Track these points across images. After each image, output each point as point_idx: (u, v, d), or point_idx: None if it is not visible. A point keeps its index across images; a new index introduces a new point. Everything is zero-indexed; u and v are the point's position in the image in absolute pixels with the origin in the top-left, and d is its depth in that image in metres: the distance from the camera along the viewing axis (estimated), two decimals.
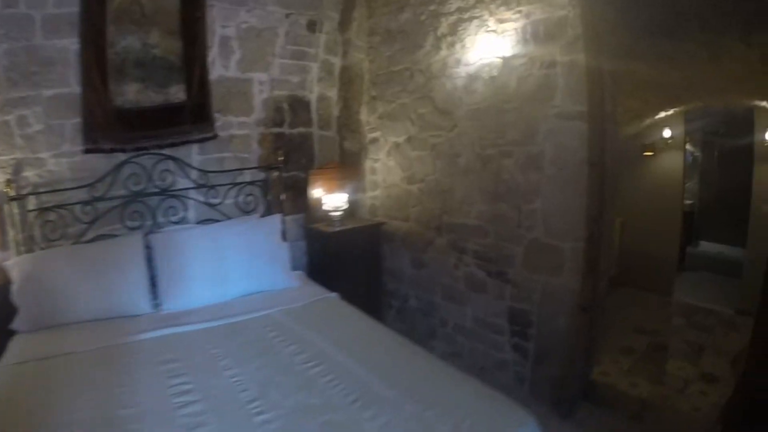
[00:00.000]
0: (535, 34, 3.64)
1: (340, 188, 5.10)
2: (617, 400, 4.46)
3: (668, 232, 7.64)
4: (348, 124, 5.37)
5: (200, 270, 3.84)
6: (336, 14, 5.08)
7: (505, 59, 3.88)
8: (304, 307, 3.73)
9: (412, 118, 4.75)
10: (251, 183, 4.78)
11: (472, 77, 4.16)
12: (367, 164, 5.33)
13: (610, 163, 3.74)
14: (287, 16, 4.76)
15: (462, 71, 4.24)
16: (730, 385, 4.62)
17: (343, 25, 5.13)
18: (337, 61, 5.26)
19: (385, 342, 3.15)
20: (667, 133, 7.34)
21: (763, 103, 6.05)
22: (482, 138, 4.15)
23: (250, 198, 4.80)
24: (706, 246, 10.18)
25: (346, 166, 5.38)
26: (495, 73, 3.97)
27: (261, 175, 4.85)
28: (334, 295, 4.02)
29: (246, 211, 4.74)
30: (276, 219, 4.60)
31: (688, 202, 9.57)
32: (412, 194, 4.88)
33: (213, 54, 4.45)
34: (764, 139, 6.71)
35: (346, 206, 4.92)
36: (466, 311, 4.52)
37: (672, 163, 7.59)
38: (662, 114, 6.89)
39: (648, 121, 7.09)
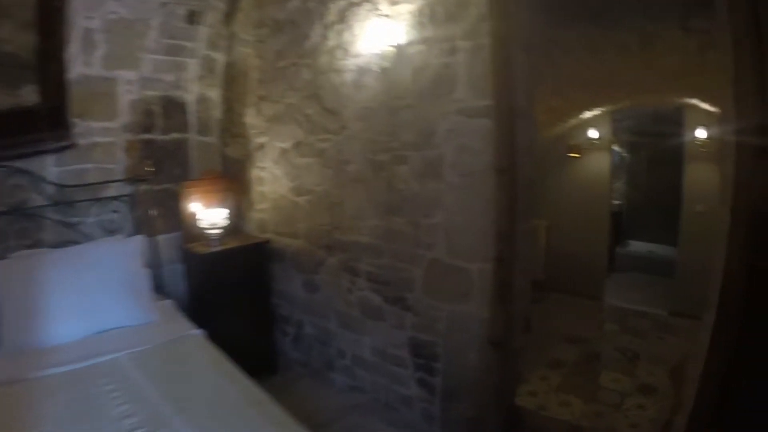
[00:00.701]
0: (433, 17, 2.97)
1: (222, 202, 4.31)
2: (546, 428, 3.96)
3: (596, 233, 7.22)
4: (231, 128, 4.56)
5: (44, 304, 3.10)
6: (221, 3, 4.26)
7: (399, 48, 3.18)
8: (157, 350, 3.00)
9: (300, 120, 3.96)
10: (116, 198, 3.98)
11: (362, 70, 3.43)
12: (254, 173, 4.50)
13: (526, 167, 3.09)
14: (163, 5, 3.90)
15: (351, 64, 3.50)
16: (668, 396, 4.43)
17: (229, 16, 4.34)
18: (220, 57, 4.46)
19: (239, 403, 2.45)
20: (593, 133, 6.81)
21: (694, 101, 5.57)
22: (373, 141, 3.43)
23: (115, 216, 3.97)
24: (635, 246, 9.78)
25: (229, 176, 4.60)
26: (387, 64, 3.26)
27: (128, 189, 4.04)
28: (198, 332, 3.27)
29: (111, 231, 3.93)
30: (135, 241, 3.78)
31: (616, 202, 9.32)
32: (300, 207, 4.09)
33: (73, 49, 3.62)
34: (695, 138, 6.28)
35: (225, 223, 4.11)
36: (364, 341, 3.78)
37: (599, 164, 7.12)
38: (588, 114, 6.36)
39: (573, 122, 6.57)
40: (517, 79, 2.86)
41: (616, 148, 9.52)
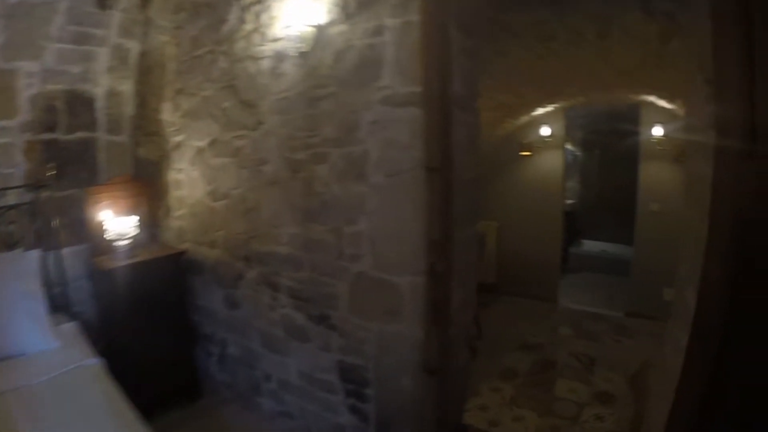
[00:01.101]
0: None
1: (134, 209, 3.76)
2: None
3: (549, 234, 6.91)
4: (145, 125, 3.99)
5: None
6: None
7: (320, 28, 2.69)
8: (44, 387, 2.48)
9: (216, 114, 3.43)
10: (14, 207, 3.38)
11: (280, 56, 2.93)
12: (171, 176, 3.94)
13: (466, 165, 2.64)
14: None
15: (268, 49, 3.00)
16: (627, 404, 4.22)
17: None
18: (134, 46, 3.86)
19: None
20: (545, 131, 6.42)
21: (652, 98, 5.21)
22: (291, 137, 2.93)
23: (12, 227, 3.38)
24: (589, 245, 9.45)
25: (143, 180, 4.01)
26: (306, 47, 2.77)
27: (28, 197, 3.45)
28: (94, 362, 2.75)
29: (9, 245, 3.34)
30: (31, 257, 3.20)
31: (569, 201, 8.98)
32: (217, 214, 3.55)
33: None
34: (651, 136, 5.98)
35: (135, 232, 3.56)
36: (289, 364, 3.28)
37: (551, 162, 6.77)
38: (540, 111, 5.97)
39: (525, 119, 6.19)
40: (454, 64, 2.39)
41: (569, 146, 9.25)
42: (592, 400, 4.37)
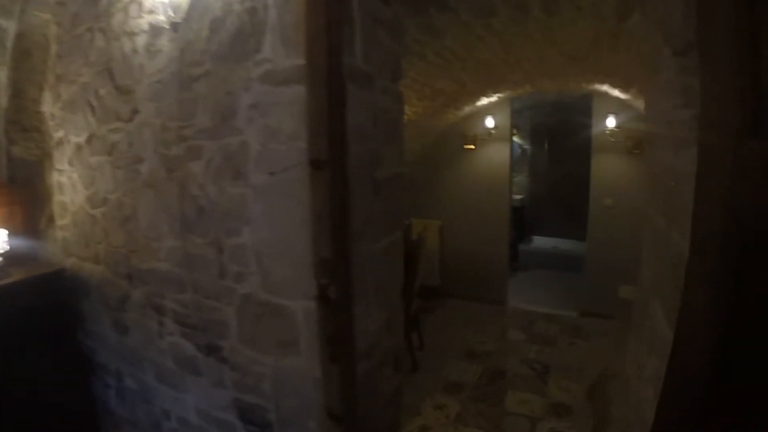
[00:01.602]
0: None
1: (7, 219, 3.08)
2: None
3: (496, 231, 6.47)
4: (21, 119, 3.23)
5: None
6: None
7: None
8: None
9: (93, 104, 2.79)
10: None
11: (155, 30, 2.32)
12: (54, 178, 3.20)
13: (382, 158, 2.10)
14: None
15: (144, 22, 2.38)
16: (585, 416, 3.88)
17: None
18: (10, 26, 3.15)
19: None
20: (490, 122, 5.91)
21: (605, 87, 4.75)
22: (165, 128, 2.32)
23: None
24: (539, 241, 9.02)
25: (18, 184, 3.26)
26: (179, 17, 2.17)
27: None
28: None
29: None
30: None
31: (517, 197, 8.55)
32: (97, 223, 2.87)
33: None
34: (605, 128, 5.53)
35: (4, 248, 2.88)
36: (186, 400, 2.63)
37: (498, 156, 6.32)
38: (485, 100, 5.47)
39: (468, 109, 5.67)
40: (360, 34, 1.82)
41: (517, 140, 8.88)
42: (547, 413, 3.99)
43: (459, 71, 3.90)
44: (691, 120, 1.17)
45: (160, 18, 2.24)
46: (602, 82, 4.61)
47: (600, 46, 3.26)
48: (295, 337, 1.92)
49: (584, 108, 6.60)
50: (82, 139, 2.88)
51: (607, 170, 5.76)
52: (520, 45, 3.42)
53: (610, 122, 5.45)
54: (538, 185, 9.30)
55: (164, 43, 2.25)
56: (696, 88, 1.10)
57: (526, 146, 9.25)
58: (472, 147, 6.29)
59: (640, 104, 4.98)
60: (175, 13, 2.15)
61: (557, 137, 8.91)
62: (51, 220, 3.25)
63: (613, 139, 5.56)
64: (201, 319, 2.31)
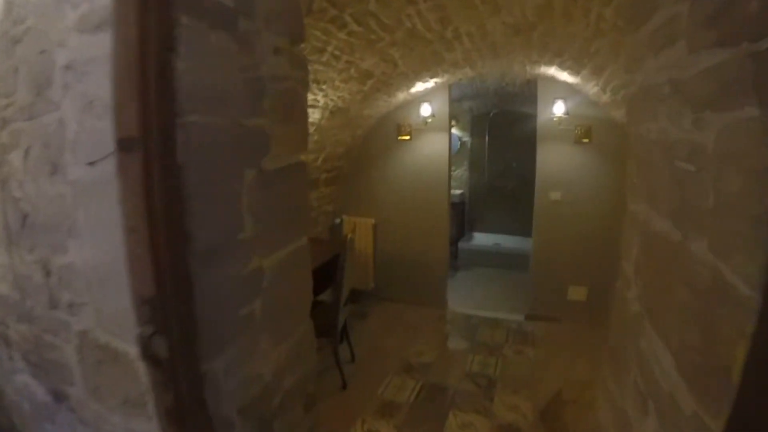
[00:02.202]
0: None
1: None
2: None
3: (435, 228, 5.93)
4: None
5: None
6: None
7: None
8: None
9: None
10: None
11: None
12: None
13: (271, 142, 1.51)
14: None
15: None
16: None
17: None
18: None
19: None
20: (426, 110, 5.37)
21: (551, 70, 4.32)
22: None
23: None
24: (481, 238, 8.55)
25: None
26: None
27: None
28: None
29: None
30: None
31: (457, 192, 8.09)
32: None
33: None
34: (551, 114, 5.15)
35: None
36: None
37: (435, 147, 5.78)
38: (420, 86, 4.97)
39: (402, 96, 5.14)
40: None
41: (457, 131, 8.45)
42: None
43: (388, 47, 3.37)
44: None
45: None
46: (550, 63, 4.16)
47: (552, 10, 2.78)
48: (141, 394, 1.33)
49: (528, 97, 6.26)
50: None
51: (554, 162, 5.31)
52: (457, 12, 2.91)
53: (558, 108, 4.98)
54: (480, 179, 8.81)
55: None
56: None
57: (467, 138, 8.80)
58: (408, 138, 5.75)
59: (590, 89, 4.58)
60: None
61: (500, 128, 8.45)
62: None
63: (561, 127, 5.10)
64: (41, 357, 1.68)
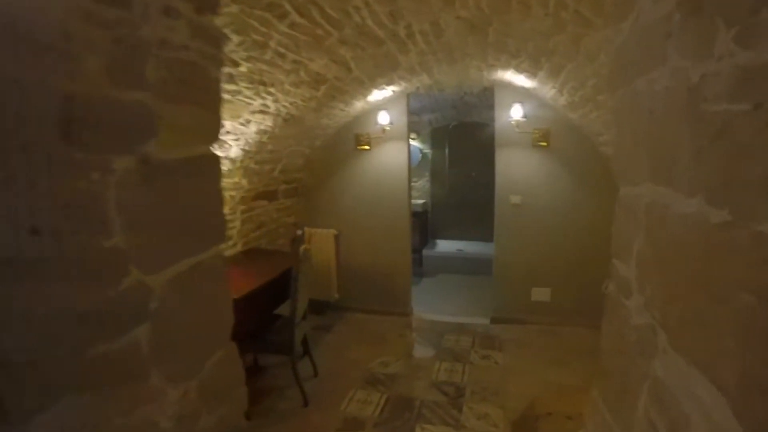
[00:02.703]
0: None
1: None
2: None
3: (397, 237, 5.51)
4: None
5: None
6: None
7: None
8: None
9: None
10: None
11: None
12: None
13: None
14: None
15: None
16: None
17: None
18: None
19: None
20: (384, 118, 4.97)
21: (507, 74, 4.07)
22: None
23: None
24: (444, 246, 8.16)
25: None
26: None
27: None
28: None
29: None
30: None
31: (420, 201, 7.71)
32: None
33: None
34: (509, 119, 4.77)
35: None
36: None
37: (395, 156, 5.36)
38: (378, 95, 4.60)
39: (360, 105, 4.75)
40: None
41: (417, 144, 8.10)
42: None
43: (337, 45, 2.95)
44: None
45: None
46: (507, 65, 3.79)
47: (508, 1, 2.41)
48: None
49: (486, 106, 5.98)
50: None
51: (513, 166, 4.94)
52: (408, 5, 2.52)
53: (516, 112, 4.61)
54: (441, 189, 8.44)
55: None
56: None
57: (427, 150, 8.44)
58: (367, 147, 5.34)
59: (547, 91, 4.25)
60: None
61: (459, 139, 8.14)
62: None
63: (518, 130, 4.73)
64: None
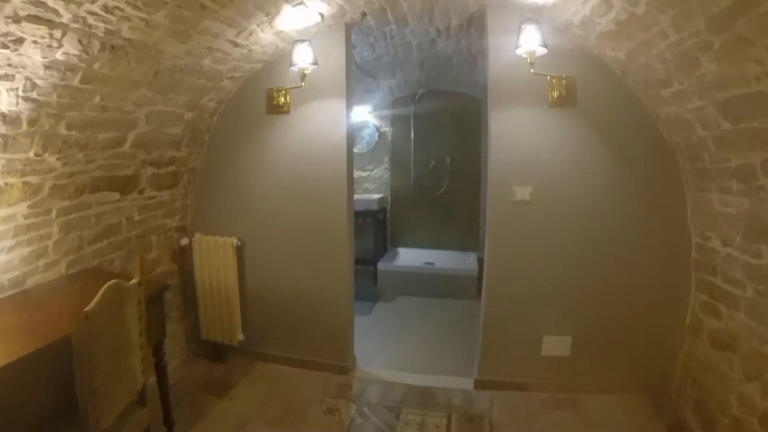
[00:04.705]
0: None
1: None
2: None
3: (331, 248, 3.63)
4: None
5: None
6: None
7: None
8: None
9: None
10: None
11: None
12: None
13: None
14: None
15: None
16: None
17: None
18: None
19: None
20: (303, 55, 3.04)
21: None
22: None
23: None
24: (408, 256, 6.26)
25: None
26: None
27: None
28: None
29: None
30: None
31: (375, 196, 5.88)
32: None
33: None
34: (511, 57, 2.88)
35: None
36: None
37: (326, 125, 3.49)
38: (295, 20, 2.86)
39: (268, 37, 2.98)
40: None
41: (372, 120, 6.33)
42: None
43: None
44: None
45: None
46: None
47: None
48: None
49: (467, 59, 4.42)
50: None
51: (519, 138, 3.13)
52: None
53: (528, 37, 2.66)
54: (405, 179, 6.53)
55: None
56: None
57: (386, 128, 6.57)
58: (284, 110, 3.44)
59: (572, 13, 2.51)
60: None
61: (429, 112, 6.27)
62: None
63: (532, 73, 2.78)
64: None
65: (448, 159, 6.21)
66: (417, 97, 6.21)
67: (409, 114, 6.36)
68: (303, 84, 3.11)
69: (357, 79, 5.45)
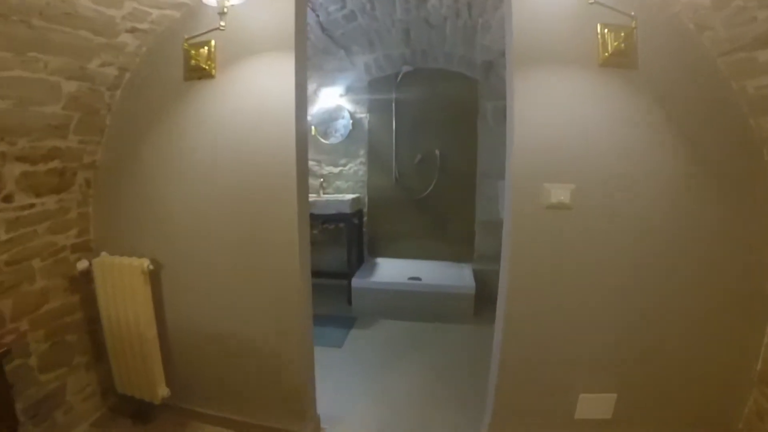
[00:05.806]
0: None
1: None
2: None
3: (280, 268, 2.58)
4: None
5: None
6: None
7: None
8: None
9: None
10: None
11: None
12: None
13: None
14: None
15: None
16: None
17: None
18: None
19: None
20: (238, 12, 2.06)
21: None
22: None
23: None
24: (388, 268, 5.32)
25: None
26: None
27: None
28: None
29: None
30: None
31: (349, 196, 4.97)
32: None
33: None
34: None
35: None
36: None
37: (267, 92, 2.45)
38: None
39: None
40: None
41: (346, 105, 5.52)
42: None
43: None
44: None
45: None
46: None
47: None
48: None
49: (466, 26, 3.65)
50: None
51: (554, 114, 2.16)
52: None
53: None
54: (385, 176, 5.62)
55: None
56: None
57: (362, 114, 5.62)
58: (209, 73, 2.44)
59: None
60: None
61: (415, 97, 5.38)
62: None
63: (578, 18, 1.91)
64: None
65: (438, 152, 5.30)
66: (400, 77, 5.26)
67: (390, 97, 5.41)
68: (223, 25, 2.11)
69: (325, 51, 4.52)
